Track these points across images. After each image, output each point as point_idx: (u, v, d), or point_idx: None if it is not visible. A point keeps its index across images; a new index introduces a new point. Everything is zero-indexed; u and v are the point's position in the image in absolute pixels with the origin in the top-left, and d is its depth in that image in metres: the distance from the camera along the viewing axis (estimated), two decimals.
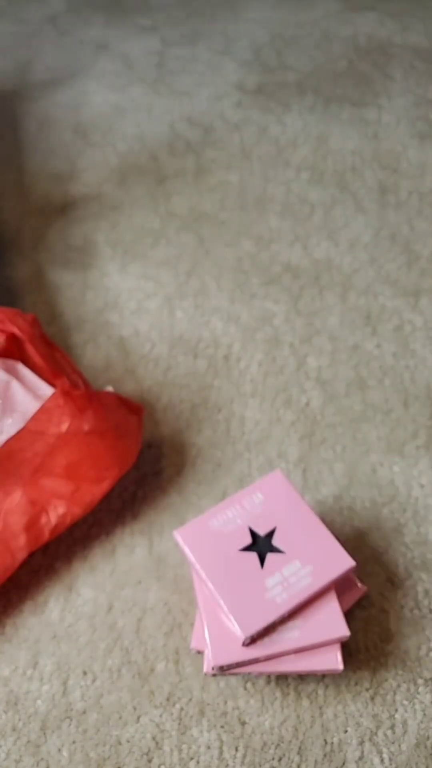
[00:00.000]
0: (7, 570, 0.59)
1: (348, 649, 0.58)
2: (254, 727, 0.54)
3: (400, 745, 0.53)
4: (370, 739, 0.54)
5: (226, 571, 0.52)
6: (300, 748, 0.53)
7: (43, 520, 0.60)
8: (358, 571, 0.62)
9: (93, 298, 0.87)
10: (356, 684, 0.56)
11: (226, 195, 1.01)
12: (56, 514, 0.60)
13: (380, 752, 0.53)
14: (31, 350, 0.67)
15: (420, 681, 0.56)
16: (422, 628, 0.59)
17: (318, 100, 1.19)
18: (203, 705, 0.55)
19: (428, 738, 0.54)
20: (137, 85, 1.25)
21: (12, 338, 0.67)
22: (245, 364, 0.79)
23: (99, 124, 1.16)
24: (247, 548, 0.54)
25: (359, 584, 0.58)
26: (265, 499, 0.57)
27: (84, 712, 0.55)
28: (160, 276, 0.90)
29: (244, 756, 0.53)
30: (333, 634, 0.51)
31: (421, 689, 0.56)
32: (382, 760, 0.53)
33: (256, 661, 0.51)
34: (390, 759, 0.53)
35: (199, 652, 0.55)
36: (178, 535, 0.55)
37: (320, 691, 0.56)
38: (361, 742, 0.53)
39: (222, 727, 0.54)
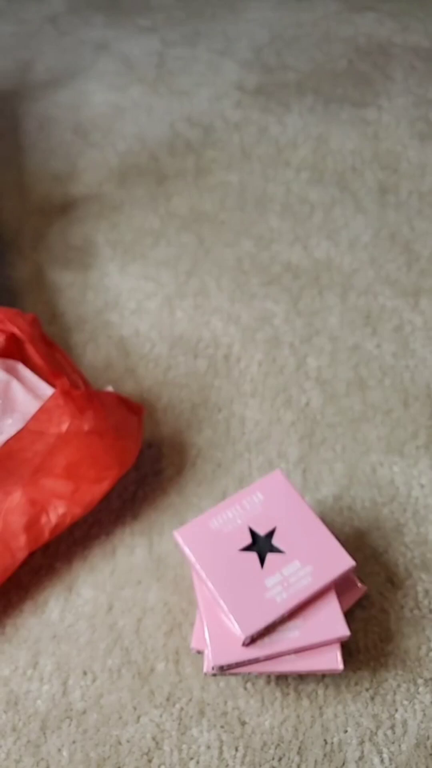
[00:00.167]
0: (7, 570, 0.59)
1: (348, 649, 0.58)
2: (254, 727, 0.54)
3: (400, 745, 0.53)
4: (370, 739, 0.54)
5: (226, 571, 0.52)
6: (300, 748, 0.53)
7: (43, 520, 0.60)
8: (358, 571, 0.62)
9: (93, 298, 0.88)
10: (356, 684, 0.56)
11: (226, 195, 1.01)
12: (56, 514, 0.60)
13: (380, 752, 0.53)
14: (31, 350, 0.67)
15: (420, 681, 0.56)
16: (422, 628, 0.59)
17: (318, 100, 1.19)
18: (203, 705, 0.55)
19: (428, 738, 0.54)
20: (137, 85, 1.25)
21: (12, 338, 0.67)
22: (245, 364, 0.79)
23: (99, 124, 1.16)
24: (247, 548, 0.54)
25: (359, 584, 0.58)
26: (265, 499, 0.57)
27: (84, 712, 0.55)
28: (160, 276, 0.90)
29: (244, 756, 0.53)
30: (333, 634, 0.51)
31: (421, 689, 0.56)
32: (382, 760, 0.53)
33: (256, 661, 0.51)
34: (390, 759, 0.53)
35: (199, 652, 0.55)
36: (178, 535, 0.55)
37: (320, 691, 0.56)
38: (361, 742, 0.53)
39: (222, 727, 0.54)
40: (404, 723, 0.54)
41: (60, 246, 0.95)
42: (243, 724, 0.55)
